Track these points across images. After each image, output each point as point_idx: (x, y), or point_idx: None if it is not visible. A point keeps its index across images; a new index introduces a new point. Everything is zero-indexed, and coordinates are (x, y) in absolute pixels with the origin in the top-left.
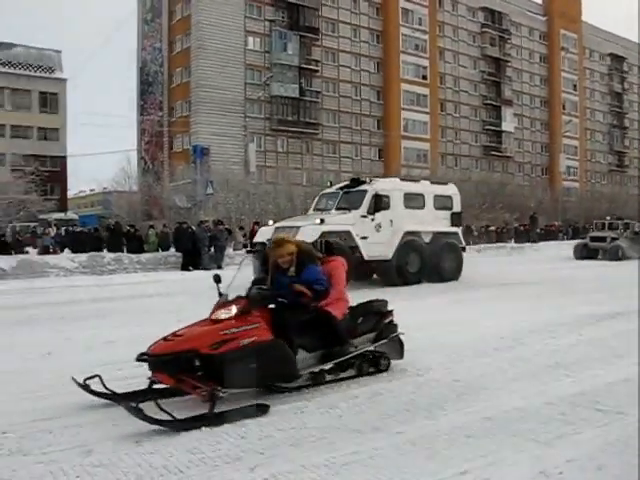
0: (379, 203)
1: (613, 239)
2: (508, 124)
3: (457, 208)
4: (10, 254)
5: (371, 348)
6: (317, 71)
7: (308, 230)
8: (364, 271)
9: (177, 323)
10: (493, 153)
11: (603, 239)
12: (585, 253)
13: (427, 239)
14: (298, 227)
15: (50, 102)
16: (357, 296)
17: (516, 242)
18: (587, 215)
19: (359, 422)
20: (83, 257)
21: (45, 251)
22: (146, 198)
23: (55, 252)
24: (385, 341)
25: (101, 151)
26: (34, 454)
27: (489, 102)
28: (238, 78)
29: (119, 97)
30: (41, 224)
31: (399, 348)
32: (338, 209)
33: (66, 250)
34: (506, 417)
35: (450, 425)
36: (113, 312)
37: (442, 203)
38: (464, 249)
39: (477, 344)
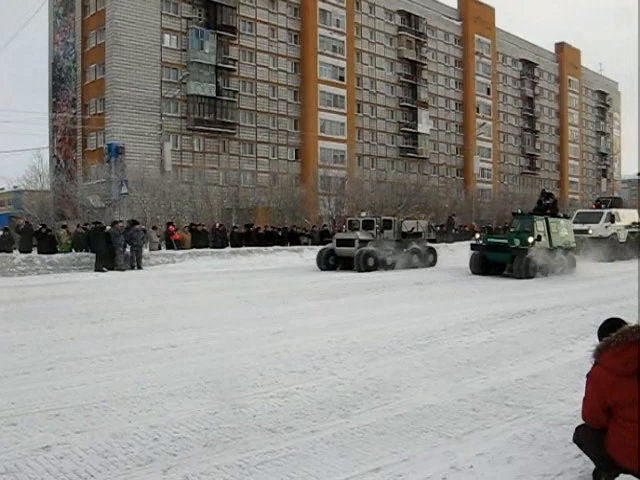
0: None
1: (362, 242)
2: (424, 126)
3: None
4: None
5: None
6: (234, 70)
7: None
8: None
9: (90, 325)
10: (409, 154)
11: (350, 242)
12: (331, 262)
13: None
14: None
15: None
16: None
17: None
18: (500, 215)
19: (273, 422)
20: None
21: None
22: (59, 197)
23: None
24: None
25: (11, 148)
26: None
27: (405, 104)
28: (154, 76)
29: (30, 93)
30: None
31: None
32: None
33: None
34: (419, 414)
35: (363, 423)
36: (23, 314)
37: None
38: None
39: (391, 343)
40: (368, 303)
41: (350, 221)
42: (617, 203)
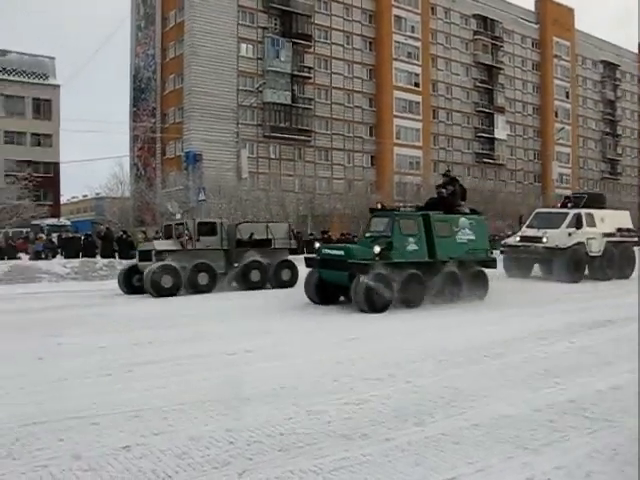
0: None
1: (160, 255)
2: (500, 131)
3: None
4: (3, 259)
5: None
6: (310, 78)
7: None
8: None
9: (168, 328)
10: (485, 160)
11: (149, 255)
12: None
13: None
14: None
15: (44, 108)
16: None
17: None
18: None
19: (348, 428)
20: (75, 263)
21: (37, 257)
22: (138, 204)
23: (47, 258)
24: None
25: (94, 157)
26: (24, 458)
27: (481, 109)
28: (231, 85)
29: (112, 104)
30: (33, 230)
31: None
32: None
33: (58, 256)
34: (494, 424)
35: (438, 432)
36: (103, 317)
37: None
38: None
39: (467, 351)
40: (442, 310)
41: (166, 226)
42: (595, 201)
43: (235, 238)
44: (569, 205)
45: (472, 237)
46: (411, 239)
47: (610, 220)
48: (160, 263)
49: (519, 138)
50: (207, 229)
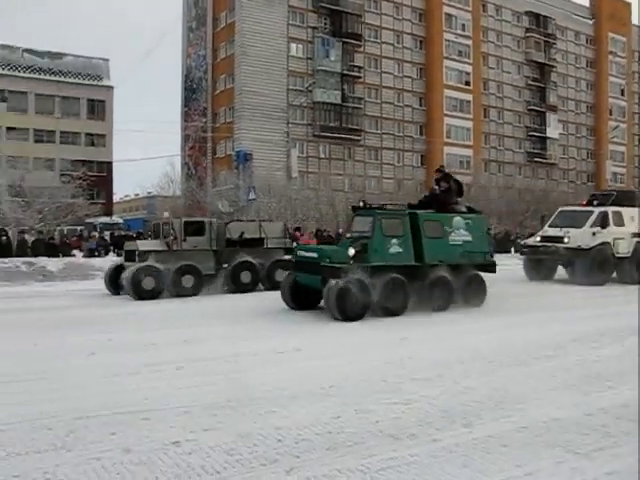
0: None
1: (143, 255)
2: (553, 130)
3: None
4: (58, 256)
5: None
6: (359, 77)
7: None
8: None
9: (219, 326)
10: (537, 160)
11: (133, 255)
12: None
13: None
14: None
15: (97, 109)
16: None
17: None
18: None
19: (395, 428)
20: None
21: (90, 254)
22: (189, 203)
23: (100, 255)
24: None
25: (146, 157)
26: (77, 450)
27: (533, 108)
28: (281, 84)
29: (164, 104)
30: (87, 228)
31: None
32: None
33: (110, 253)
34: (544, 427)
35: (486, 433)
36: (155, 314)
37: None
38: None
39: (516, 352)
40: (488, 311)
41: (155, 224)
42: (625, 199)
43: (225, 238)
44: (594, 203)
45: (468, 238)
46: (394, 240)
47: None
48: (142, 264)
49: (572, 137)
50: (195, 229)
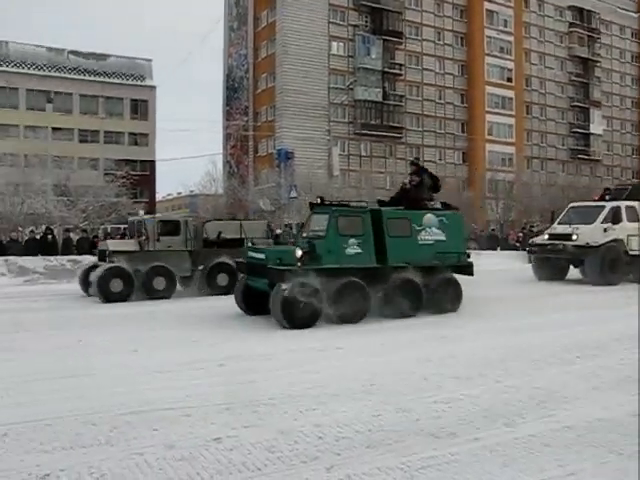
0: None
1: (114, 255)
2: (596, 126)
3: None
4: None
5: None
6: (400, 75)
7: None
8: None
9: (260, 325)
10: (580, 156)
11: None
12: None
13: None
14: None
15: (140, 109)
16: None
17: None
18: None
19: (436, 427)
20: None
21: None
22: (231, 201)
23: None
24: None
25: (188, 155)
26: (120, 446)
27: (577, 104)
28: (322, 83)
29: (206, 103)
30: None
31: None
32: None
33: None
34: (587, 427)
35: (528, 433)
36: (195, 313)
37: None
38: None
39: (558, 351)
40: (530, 311)
41: (130, 222)
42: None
43: (202, 238)
44: (607, 198)
45: (441, 237)
46: (352, 240)
47: None
48: (110, 265)
49: (616, 133)
50: (169, 228)
